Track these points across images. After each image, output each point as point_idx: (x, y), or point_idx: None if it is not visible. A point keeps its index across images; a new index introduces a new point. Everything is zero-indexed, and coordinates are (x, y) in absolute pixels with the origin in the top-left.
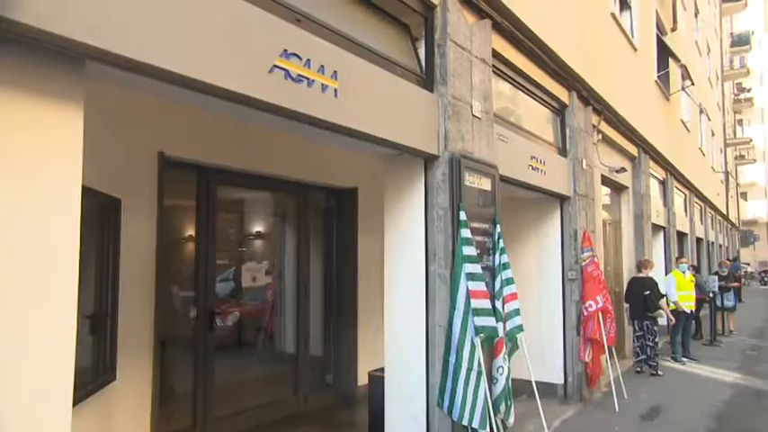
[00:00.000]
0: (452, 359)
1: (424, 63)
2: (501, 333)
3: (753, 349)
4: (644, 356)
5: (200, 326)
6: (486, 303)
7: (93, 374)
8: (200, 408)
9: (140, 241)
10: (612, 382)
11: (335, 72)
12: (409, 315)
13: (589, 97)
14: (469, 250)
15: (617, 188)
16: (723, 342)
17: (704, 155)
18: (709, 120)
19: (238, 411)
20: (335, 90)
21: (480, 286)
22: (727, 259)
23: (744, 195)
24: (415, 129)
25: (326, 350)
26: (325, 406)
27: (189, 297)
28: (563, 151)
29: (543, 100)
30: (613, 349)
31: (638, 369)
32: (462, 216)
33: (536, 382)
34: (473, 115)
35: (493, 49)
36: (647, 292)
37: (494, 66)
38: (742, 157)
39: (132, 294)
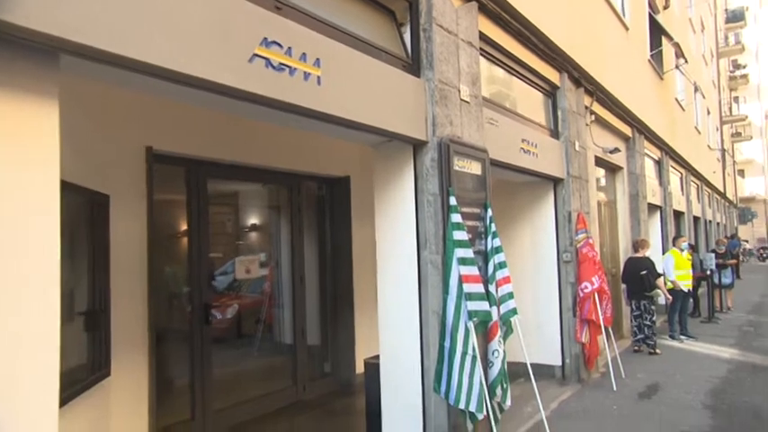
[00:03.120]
0: (447, 344)
1: (410, 48)
2: (495, 317)
3: (750, 325)
4: (642, 336)
5: (196, 319)
6: (479, 288)
7: (87, 371)
8: (198, 401)
9: (131, 237)
10: (610, 363)
11: (318, 60)
12: (402, 302)
13: (581, 78)
14: (460, 235)
15: (612, 169)
16: (721, 319)
17: (700, 133)
18: (704, 97)
19: (238, 403)
20: (318, 78)
21: (472, 271)
22: (725, 237)
23: (741, 173)
24: (402, 115)
25: (324, 339)
26: (324, 394)
27: (184, 291)
28: (555, 133)
29: (533, 82)
30: (611, 329)
31: (636, 348)
32: (452, 201)
33: (533, 364)
34: (461, 99)
35: (480, 32)
36: (644, 272)
37: (481, 49)
38: (738, 134)
39: (124, 290)
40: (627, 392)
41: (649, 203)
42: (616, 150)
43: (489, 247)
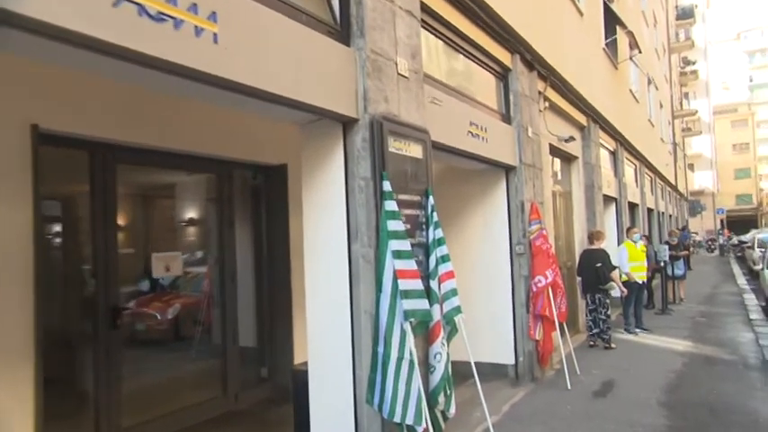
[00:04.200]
0: (381, 349)
1: (338, 12)
2: (437, 316)
3: (702, 316)
4: (597, 330)
5: (102, 324)
6: (417, 284)
7: None
8: (103, 417)
9: (11, 232)
10: (564, 359)
11: (214, 13)
12: (332, 301)
13: (534, 61)
14: (396, 225)
15: (567, 158)
16: (674, 310)
17: (653, 126)
18: (657, 89)
19: (155, 418)
20: (215, 35)
21: (409, 265)
22: (677, 228)
23: (691, 167)
24: (328, 87)
25: (260, 342)
26: (259, 402)
27: (87, 294)
28: (507, 118)
29: (484, 63)
30: (565, 325)
31: (592, 343)
32: (386, 186)
33: (486, 363)
34: (399, 74)
35: (422, 3)
36: (599, 265)
37: (425, 22)
38: (689, 129)
39: (3, 294)
40: (581, 390)
41: (605, 195)
42: (571, 139)
43: (431, 238)
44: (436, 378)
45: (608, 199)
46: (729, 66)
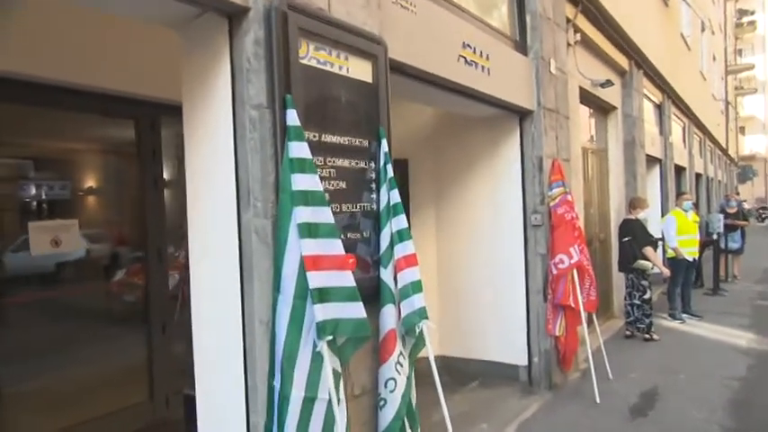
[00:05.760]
0: (277, 384)
1: None
2: (389, 323)
3: (763, 298)
4: (632, 318)
5: None
6: (344, 278)
7: None
8: None
9: None
10: (592, 358)
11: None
12: (218, 306)
13: None
14: (307, 182)
15: (602, 108)
16: (727, 291)
17: (705, 79)
18: (713, 33)
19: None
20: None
21: (331, 247)
22: (736, 192)
23: (742, 130)
24: None
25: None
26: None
27: None
28: (522, 47)
29: None
30: (594, 317)
31: (629, 333)
32: (291, 119)
33: (494, 363)
34: None
35: None
36: (627, 239)
37: None
38: (741, 88)
39: None
40: (614, 405)
41: (647, 155)
42: (608, 83)
43: (382, 204)
44: (388, 416)
45: (651, 160)
46: None
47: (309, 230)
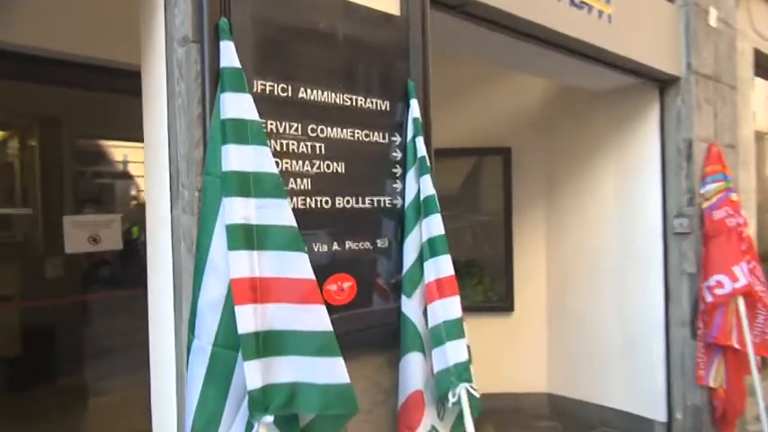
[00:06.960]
0: None
1: None
2: (415, 384)
3: None
4: None
5: None
6: (310, 315)
7: None
8: None
9: None
10: (766, 419)
11: None
12: (157, 337)
13: None
14: (247, 157)
15: None
16: None
17: None
18: None
19: None
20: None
21: (289, 265)
22: None
23: None
24: None
25: None
26: None
27: None
28: None
29: None
30: None
31: None
32: (228, 58)
33: (620, 413)
34: None
35: None
36: None
37: None
38: None
39: None
40: None
41: None
42: None
43: (409, 196)
44: None
45: None
46: None
47: (247, 237)
